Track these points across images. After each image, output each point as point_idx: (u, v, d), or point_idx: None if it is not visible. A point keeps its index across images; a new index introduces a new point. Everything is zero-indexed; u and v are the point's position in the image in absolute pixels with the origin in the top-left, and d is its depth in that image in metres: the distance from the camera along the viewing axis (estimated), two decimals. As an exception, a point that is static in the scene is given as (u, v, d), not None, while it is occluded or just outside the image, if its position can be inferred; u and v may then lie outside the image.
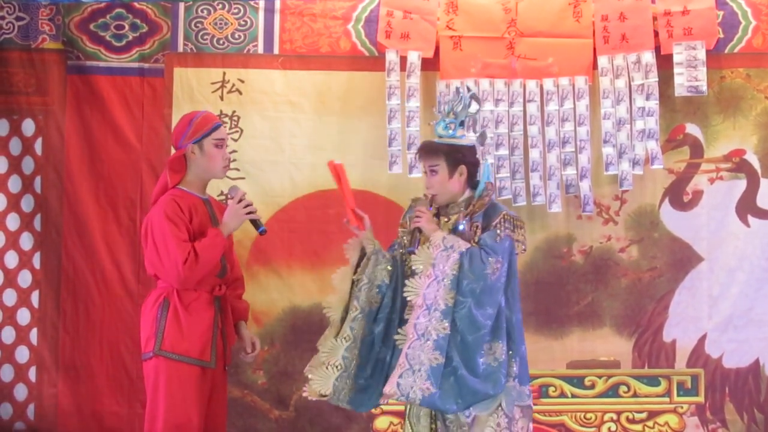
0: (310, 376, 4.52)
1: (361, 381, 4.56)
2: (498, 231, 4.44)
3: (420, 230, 4.54)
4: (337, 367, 4.50)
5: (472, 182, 4.56)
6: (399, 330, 4.44)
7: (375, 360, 4.57)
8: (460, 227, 4.50)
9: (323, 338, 4.60)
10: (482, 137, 4.82)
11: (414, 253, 4.48)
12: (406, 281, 4.45)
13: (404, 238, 4.63)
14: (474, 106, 4.61)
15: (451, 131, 4.57)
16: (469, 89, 4.83)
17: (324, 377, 4.50)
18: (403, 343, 4.39)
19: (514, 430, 4.44)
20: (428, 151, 4.56)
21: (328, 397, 4.51)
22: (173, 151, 4.86)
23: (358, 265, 4.61)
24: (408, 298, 4.42)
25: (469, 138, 4.63)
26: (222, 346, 4.69)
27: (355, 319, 4.54)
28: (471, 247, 4.43)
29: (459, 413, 4.41)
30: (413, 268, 4.45)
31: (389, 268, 4.59)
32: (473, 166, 4.55)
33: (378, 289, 4.57)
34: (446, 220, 4.56)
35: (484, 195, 4.52)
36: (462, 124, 4.59)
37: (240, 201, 4.71)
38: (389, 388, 4.34)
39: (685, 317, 5.77)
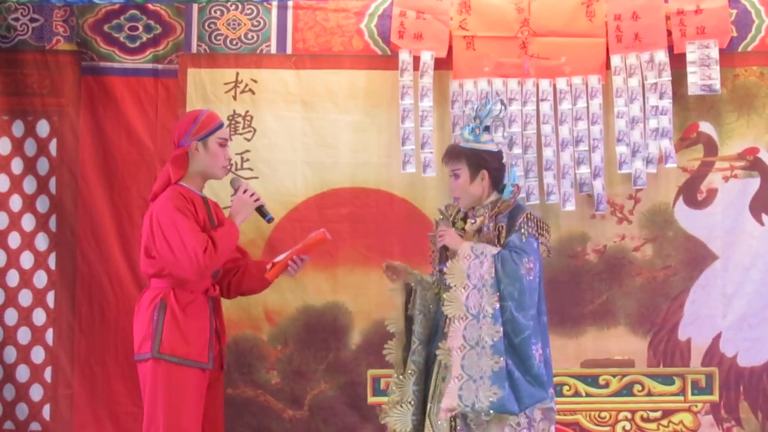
0: (387, 418, 4.62)
1: None
2: (522, 231, 4.50)
3: (447, 247, 4.61)
4: (410, 403, 4.58)
5: (497, 186, 4.63)
6: (440, 345, 4.51)
7: None
8: (485, 229, 4.58)
9: (392, 381, 4.68)
10: (510, 142, 4.98)
11: (444, 270, 4.53)
12: (444, 295, 4.50)
13: (435, 256, 4.72)
14: (498, 110, 4.68)
15: (474, 136, 4.64)
16: (498, 94, 5.00)
17: (401, 415, 4.58)
18: (445, 357, 4.46)
19: (533, 430, 4.49)
20: (451, 155, 4.67)
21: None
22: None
23: (407, 302, 4.69)
24: (447, 313, 4.47)
25: (494, 143, 4.69)
26: (218, 347, 4.72)
27: (415, 351, 4.63)
28: (501, 250, 4.49)
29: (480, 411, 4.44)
30: (447, 283, 4.49)
31: (436, 291, 4.66)
32: (496, 171, 4.64)
33: (433, 315, 4.66)
34: (473, 222, 4.63)
35: (511, 197, 4.60)
36: (487, 129, 4.68)
37: (245, 191, 4.77)
38: (451, 401, 4.40)
39: (700, 316, 5.76)
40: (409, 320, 4.69)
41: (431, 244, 4.77)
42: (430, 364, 4.63)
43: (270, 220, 4.85)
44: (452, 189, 4.69)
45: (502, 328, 4.40)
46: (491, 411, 4.38)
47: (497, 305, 4.42)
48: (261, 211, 4.79)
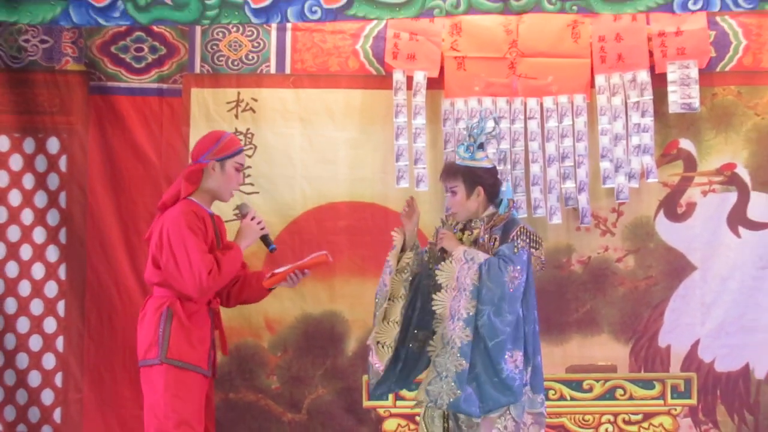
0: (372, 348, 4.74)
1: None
2: (516, 243, 4.62)
3: (444, 249, 4.73)
4: (390, 347, 4.69)
5: (492, 200, 4.74)
6: (431, 342, 4.64)
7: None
8: (480, 241, 4.70)
9: (380, 312, 4.75)
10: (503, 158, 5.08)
11: (437, 271, 4.66)
12: (434, 295, 4.63)
13: (430, 250, 4.85)
14: (489, 126, 4.79)
15: (470, 154, 4.74)
16: (491, 112, 5.10)
17: (381, 354, 4.71)
18: (433, 354, 4.60)
19: None
20: (448, 172, 4.78)
21: (383, 372, 4.71)
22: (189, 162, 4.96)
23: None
24: (437, 311, 4.60)
25: (488, 160, 4.80)
26: (215, 357, 4.84)
27: (404, 306, 4.73)
28: (490, 257, 4.60)
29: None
30: (438, 282, 4.62)
31: (421, 262, 4.82)
32: (491, 187, 4.75)
33: (417, 280, 4.80)
34: (469, 233, 4.74)
35: (506, 211, 4.73)
36: (481, 146, 4.77)
37: (253, 218, 4.85)
38: (419, 395, 4.62)
39: (680, 324, 5.84)
40: (398, 272, 4.78)
41: (427, 245, 4.86)
42: (413, 325, 4.77)
43: (273, 250, 4.92)
44: (450, 205, 4.78)
45: (472, 334, 4.51)
46: (450, 409, 4.52)
47: (472, 311, 4.53)
48: (265, 240, 4.89)
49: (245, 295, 4.98)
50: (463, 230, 4.79)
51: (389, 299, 4.75)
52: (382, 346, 4.70)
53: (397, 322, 4.71)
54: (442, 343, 4.58)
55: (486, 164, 4.78)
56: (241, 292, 4.95)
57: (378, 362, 4.72)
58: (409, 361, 4.81)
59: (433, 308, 4.64)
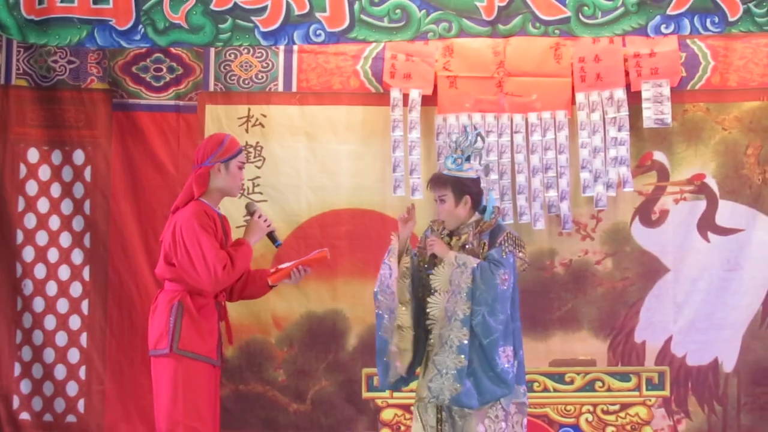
0: (397, 363, 4.84)
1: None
2: (503, 247, 4.80)
3: (435, 255, 4.90)
4: (409, 350, 4.84)
5: (477, 207, 4.93)
6: (429, 341, 4.84)
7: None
8: (468, 245, 4.88)
9: (400, 316, 4.85)
10: (486, 169, 5.23)
11: (431, 275, 4.86)
12: (428, 298, 4.80)
13: (419, 252, 4.98)
14: (479, 143, 5.02)
15: (457, 165, 4.92)
16: (475, 128, 5.23)
17: (405, 359, 4.84)
18: (432, 352, 4.79)
19: (509, 422, 4.80)
20: (437, 182, 4.95)
21: (401, 372, 4.85)
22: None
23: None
24: (432, 313, 4.78)
25: (474, 171, 4.96)
26: (222, 348, 4.96)
27: (412, 310, 4.85)
28: (481, 262, 4.77)
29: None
30: (432, 286, 4.81)
31: (413, 264, 4.97)
32: (477, 195, 4.92)
33: (414, 281, 4.93)
34: (457, 238, 4.92)
35: (492, 217, 4.91)
36: (468, 158, 4.93)
37: (260, 216, 4.96)
38: (422, 391, 4.79)
39: (654, 321, 6.05)
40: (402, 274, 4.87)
41: (418, 244, 4.98)
42: (420, 325, 4.87)
43: (278, 246, 5.04)
44: (439, 212, 4.91)
45: (469, 333, 4.67)
46: (452, 404, 4.68)
47: (468, 311, 4.69)
48: (272, 236, 4.99)
49: (248, 291, 5.04)
50: (450, 235, 4.93)
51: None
52: (403, 351, 4.83)
53: (409, 327, 4.84)
54: (440, 342, 4.72)
55: (472, 175, 4.93)
56: (244, 288, 5.02)
57: (401, 365, 4.84)
58: (414, 356, 4.97)
59: (428, 310, 4.79)
